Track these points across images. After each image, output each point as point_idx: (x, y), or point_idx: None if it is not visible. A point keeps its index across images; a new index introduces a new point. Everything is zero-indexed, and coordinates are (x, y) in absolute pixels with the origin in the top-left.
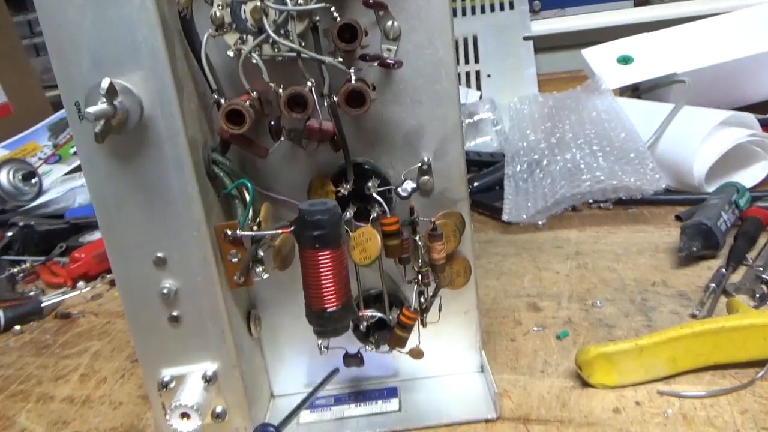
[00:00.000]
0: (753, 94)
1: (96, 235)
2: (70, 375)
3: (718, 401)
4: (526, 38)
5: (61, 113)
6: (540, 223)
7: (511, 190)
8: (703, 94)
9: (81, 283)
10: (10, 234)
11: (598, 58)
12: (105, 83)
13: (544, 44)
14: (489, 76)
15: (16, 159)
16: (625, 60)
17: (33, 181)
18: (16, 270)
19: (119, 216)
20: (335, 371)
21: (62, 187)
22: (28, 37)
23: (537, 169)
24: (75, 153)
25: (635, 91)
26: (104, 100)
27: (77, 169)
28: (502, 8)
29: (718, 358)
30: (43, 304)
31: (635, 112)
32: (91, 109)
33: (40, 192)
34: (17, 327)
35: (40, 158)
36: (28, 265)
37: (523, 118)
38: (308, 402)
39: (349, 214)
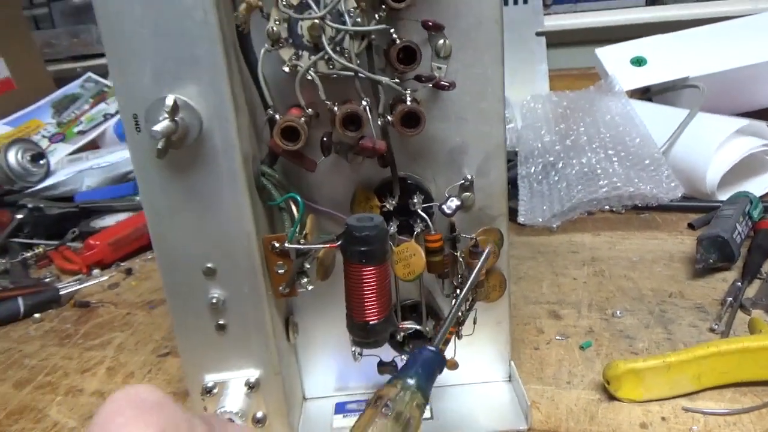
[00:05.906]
0: (763, 100)
1: (107, 221)
2: (96, 368)
3: (741, 419)
4: (538, 33)
5: (64, 90)
6: (554, 225)
7: (525, 192)
8: (714, 98)
9: (96, 271)
10: (20, 216)
11: (612, 58)
12: (170, 100)
13: (554, 40)
14: None
15: (24, 139)
16: (638, 61)
17: (41, 162)
18: (28, 254)
19: (171, 226)
20: None
21: (70, 168)
22: (27, 8)
23: (552, 172)
24: (79, 132)
25: (645, 93)
26: (167, 115)
27: (81, 149)
28: (515, 2)
29: (741, 376)
30: (60, 292)
31: (647, 115)
32: (158, 128)
33: (47, 173)
34: (36, 315)
35: (43, 136)
36: (40, 249)
37: (536, 118)
38: None
39: (393, 228)
